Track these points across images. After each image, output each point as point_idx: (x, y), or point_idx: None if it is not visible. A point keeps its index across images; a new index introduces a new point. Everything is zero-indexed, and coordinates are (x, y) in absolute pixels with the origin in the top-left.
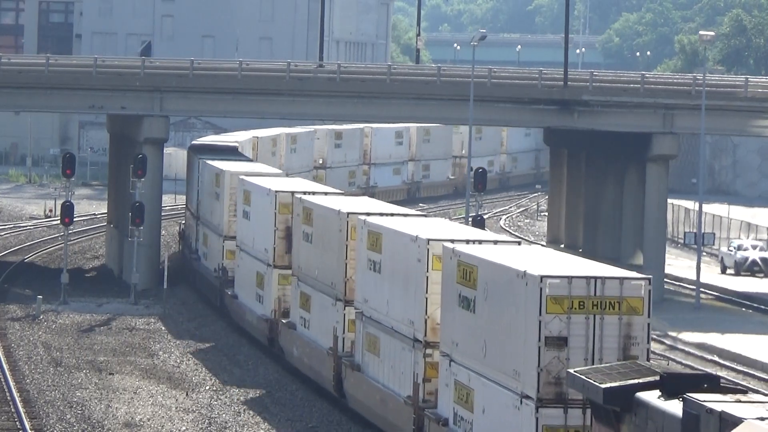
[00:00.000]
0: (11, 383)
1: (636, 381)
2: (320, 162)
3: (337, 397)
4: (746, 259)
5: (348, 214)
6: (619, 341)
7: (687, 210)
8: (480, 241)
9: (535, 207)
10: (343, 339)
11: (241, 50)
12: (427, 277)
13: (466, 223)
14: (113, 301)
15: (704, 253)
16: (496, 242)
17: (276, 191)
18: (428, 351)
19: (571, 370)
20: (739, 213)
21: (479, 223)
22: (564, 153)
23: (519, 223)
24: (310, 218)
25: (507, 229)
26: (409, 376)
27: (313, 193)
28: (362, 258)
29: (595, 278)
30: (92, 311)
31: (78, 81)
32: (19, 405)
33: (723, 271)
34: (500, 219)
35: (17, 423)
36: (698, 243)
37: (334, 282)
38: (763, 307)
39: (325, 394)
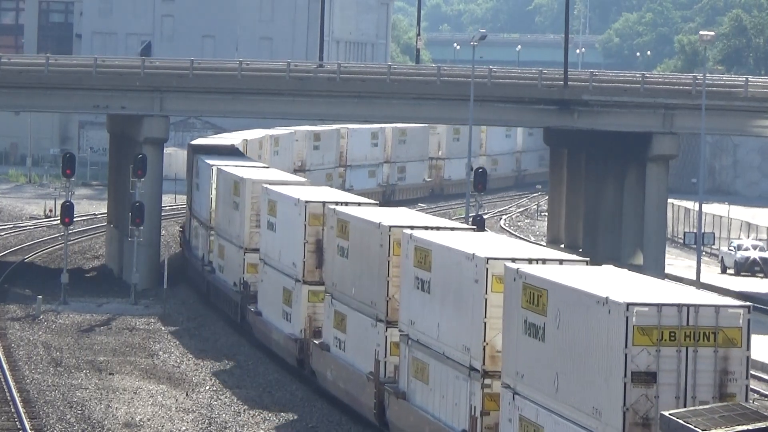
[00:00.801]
0: (11, 383)
1: (744, 428)
2: (299, 164)
3: (378, 425)
4: (746, 259)
5: (390, 227)
6: (714, 377)
7: (687, 210)
8: (544, 260)
9: (535, 207)
10: (386, 363)
11: (241, 50)
12: (486, 300)
13: (466, 223)
14: (113, 301)
15: (704, 253)
16: (561, 261)
17: (306, 201)
18: (487, 381)
19: (666, 413)
20: (739, 213)
21: (479, 223)
22: (564, 153)
23: (519, 223)
24: (345, 231)
25: (507, 228)
26: (465, 407)
27: (346, 203)
28: (408, 276)
29: (688, 306)
30: (92, 311)
31: (78, 81)
32: (19, 405)
33: (723, 271)
34: (500, 219)
35: (17, 423)
36: (698, 243)
37: (375, 301)
38: (763, 307)
39: (324, 395)
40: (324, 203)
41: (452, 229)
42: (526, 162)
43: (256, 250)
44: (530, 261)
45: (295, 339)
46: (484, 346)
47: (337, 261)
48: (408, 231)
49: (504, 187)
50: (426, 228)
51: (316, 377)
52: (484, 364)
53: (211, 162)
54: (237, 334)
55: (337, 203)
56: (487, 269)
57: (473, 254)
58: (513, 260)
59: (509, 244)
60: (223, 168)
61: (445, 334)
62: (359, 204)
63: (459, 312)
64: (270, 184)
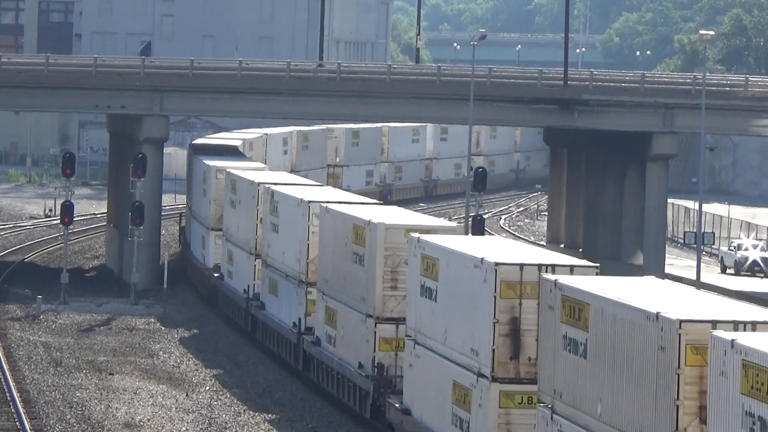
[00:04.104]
0: (11, 383)
1: None
2: None
3: None
4: (746, 258)
5: (680, 323)
6: None
7: (687, 209)
8: None
9: (535, 207)
10: None
11: (241, 50)
12: None
13: (466, 223)
14: (113, 301)
15: (704, 253)
16: None
17: (496, 264)
18: None
19: None
20: (739, 212)
21: (479, 223)
22: (564, 152)
23: (519, 223)
24: (581, 317)
25: (507, 228)
26: None
27: (554, 266)
28: (725, 402)
29: (546, 265)
30: (92, 311)
31: (78, 81)
32: (19, 405)
33: (723, 271)
34: (500, 219)
35: (17, 423)
36: (698, 243)
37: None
38: (763, 307)
39: (324, 395)
40: (522, 266)
41: None
42: (439, 170)
43: (393, 320)
44: None
45: None
46: None
47: (562, 359)
48: (723, 335)
49: (410, 199)
50: (746, 324)
51: None
52: None
53: (300, 196)
54: (237, 334)
55: (546, 267)
56: None
57: None
58: None
59: None
60: (332, 207)
61: None
62: (572, 267)
63: None
64: (417, 230)
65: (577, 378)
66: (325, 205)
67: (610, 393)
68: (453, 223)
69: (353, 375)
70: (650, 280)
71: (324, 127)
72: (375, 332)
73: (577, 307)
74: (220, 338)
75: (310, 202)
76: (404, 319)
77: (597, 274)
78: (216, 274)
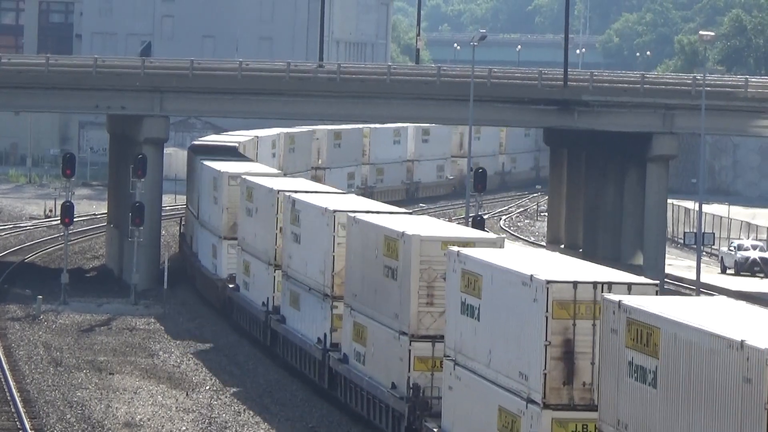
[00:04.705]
0: (11, 383)
1: None
2: None
3: None
4: (746, 259)
5: None
6: None
7: (687, 210)
8: None
9: (535, 207)
10: None
11: (241, 50)
12: None
13: (466, 223)
14: (113, 301)
15: (704, 253)
16: None
17: (548, 282)
18: None
19: None
20: (739, 213)
21: (479, 223)
22: (564, 153)
23: (519, 223)
24: (651, 342)
25: (507, 229)
26: None
27: (610, 283)
28: None
29: (602, 283)
30: (92, 311)
31: (78, 81)
32: (19, 405)
33: (723, 271)
34: (500, 219)
35: (17, 423)
36: (698, 243)
37: None
38: (763, 307)
39: (324, 394)
40: (575, 284)
41: None
42: (421, 172)
43: (429, 338)
44: None
45: None
46: None
47: (627, 387)
48: None
49: (393, 201)
50: None
51: None
52: None
53: (325, 205)
54: (237, 334)
55: (602, 285)
56: None
57: None
58: None
59: None
60: (360, 217)
61: None
62: (630, 285)
63: None
64: (454, 242)
65: (645, 408)
66: (352, 215)
67: (685, 427)
68: (493, 235)
69: (386, 396)
70: (723, 300)
71: (309, 128)
72: (410, 351)
73: (645, 332)
74: (220, 338)
75: (335, 211)
76: (441, 337)
77: (657, 293)
78: (231, 285)
